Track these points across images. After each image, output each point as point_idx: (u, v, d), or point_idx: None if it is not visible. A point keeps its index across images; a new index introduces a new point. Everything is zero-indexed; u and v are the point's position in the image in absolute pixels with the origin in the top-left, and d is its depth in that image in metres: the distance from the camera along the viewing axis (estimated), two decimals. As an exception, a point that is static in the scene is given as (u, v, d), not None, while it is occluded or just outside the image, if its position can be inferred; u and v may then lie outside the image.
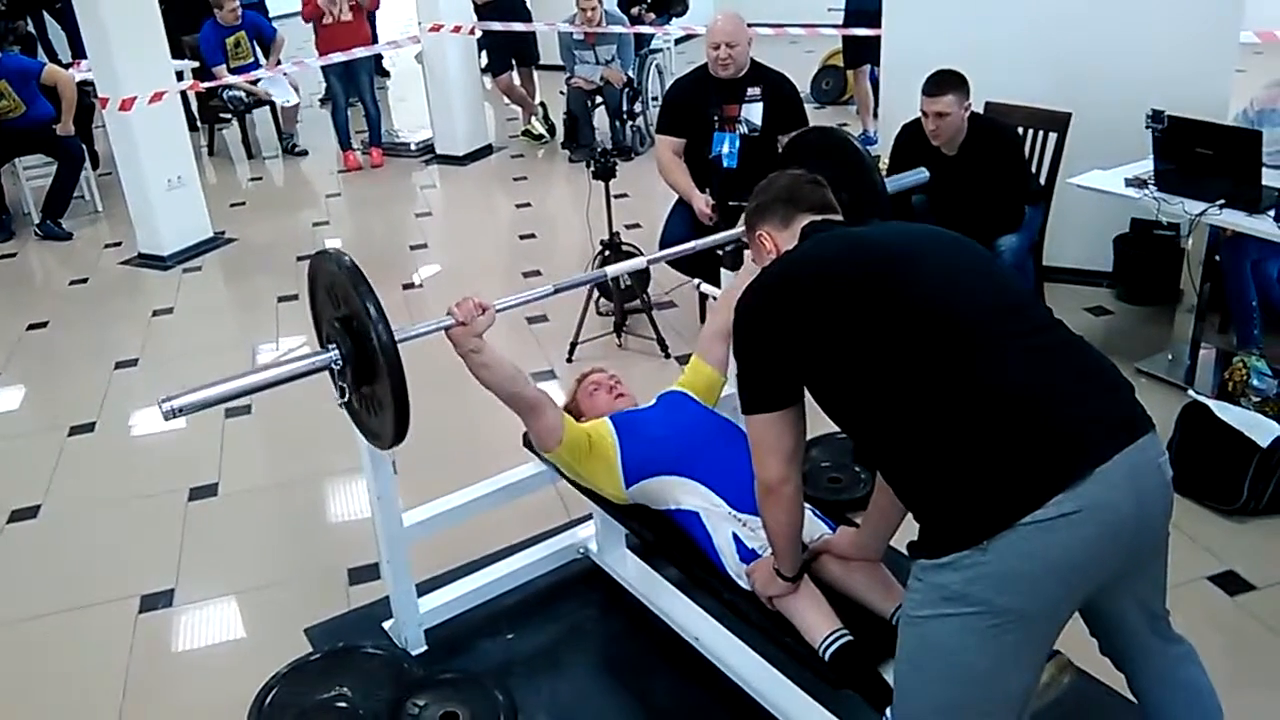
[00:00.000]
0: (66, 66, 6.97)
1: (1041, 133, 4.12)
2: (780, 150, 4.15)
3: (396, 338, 1.96)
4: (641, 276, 4.52)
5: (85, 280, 5.60)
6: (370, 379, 2.03)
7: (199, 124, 7.93)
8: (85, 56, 5.83)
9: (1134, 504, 1.57)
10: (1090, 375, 1.65)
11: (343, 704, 2.48)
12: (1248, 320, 3.74)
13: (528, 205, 6.44)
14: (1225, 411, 3.10)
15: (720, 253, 2.99)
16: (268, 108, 7.67)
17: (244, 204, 6.80)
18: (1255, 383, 3.25)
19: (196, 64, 7.36)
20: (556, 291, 2.53)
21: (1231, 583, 2.79)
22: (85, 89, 6.28)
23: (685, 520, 2.31)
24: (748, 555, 2.17)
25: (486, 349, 2.26)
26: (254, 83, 7.26)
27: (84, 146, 6.46)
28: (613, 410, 2.62)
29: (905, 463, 1.65)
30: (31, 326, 5.03)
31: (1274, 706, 2.41)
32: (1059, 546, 1.51)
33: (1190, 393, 3.32)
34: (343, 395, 2.13)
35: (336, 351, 2.06)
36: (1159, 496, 1.64)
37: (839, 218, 2.01)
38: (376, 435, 2.18)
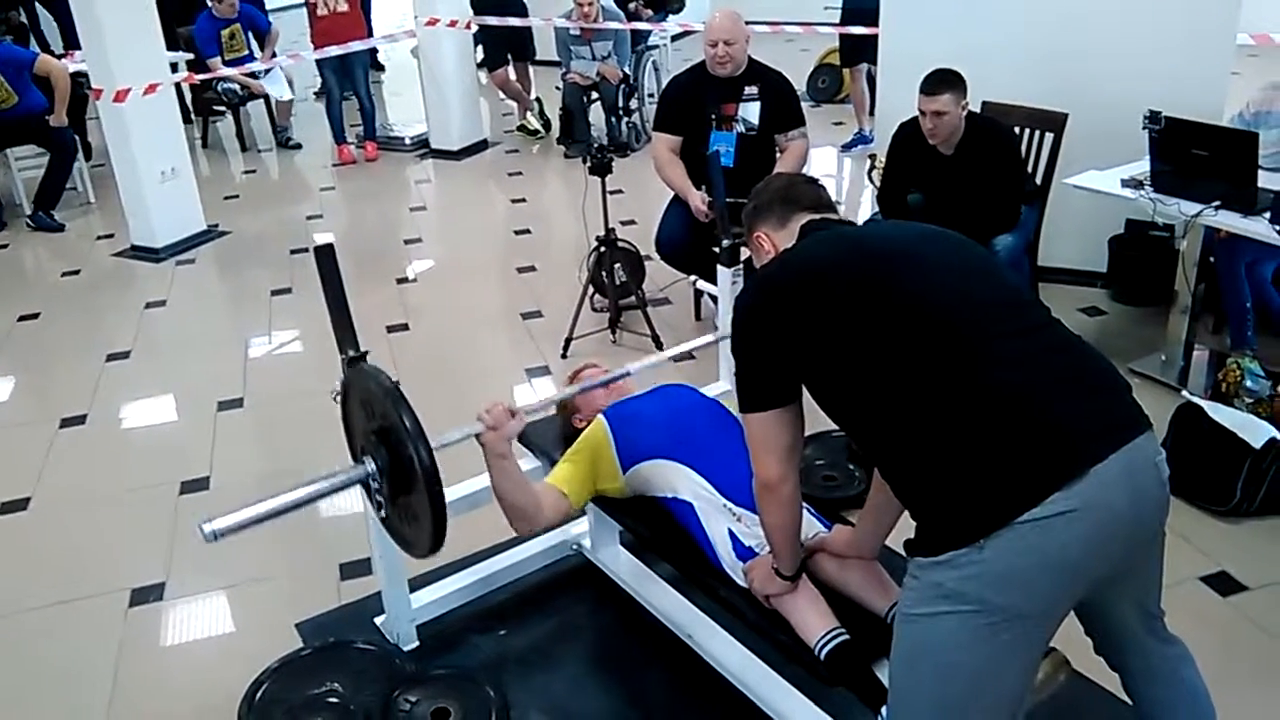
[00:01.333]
0: (59, 57, 6.94)
1: (1038, 133, 4.12)
2: (778, 152, 4.17)
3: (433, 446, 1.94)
4: (637, 272, 4.51)
5: (77, 272, 5.58)
6: (406, 491, 2.01)
7: (193, 116, 7.91)
8: (78, 47, 5.81)
9: (1130, 503, 1.57)
10: (1088, 374, 1.65)
11: (334, 700, 2.47)
12: (1242, 322, 3.75)
13: (523, 201, 6.43)
14: (1218, 412, 3.11)
15: (716, 249, 2.99)
16: (262, 100, 7.65)
17: (238, 197, 6.77)
18: (1248, 384, 3.26)
19: (191, 56, 7.33)
20: (582, 391, 2.54)
21: (1224, 583, 2.79)
22: (79, 80, 6.25)
23: (681, 512, 2.31)
24: (744, 553, 2.17)
25: (512, 457, 2.25)
26: (252, 76, 7.23)
27: (77, 138, 6.44)
28: (608, 404, 2.62)
29: (903, 461, 1.65)
30: (23, 318, 5.00)
31: (1266, 706, 2.41)
32: (1056, 545, 1.51)
33: (1184, 394, 3.33)
34: (379, 510, 2.12)
35: (373, 464, 2.04)
36: (1155, 495, 1.64)
37: (837, 216, 2.01)
38: (411, 544, 2.13)
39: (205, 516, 1.92)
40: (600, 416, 2.52)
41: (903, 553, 1.66)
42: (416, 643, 2.71)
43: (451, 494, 2.65)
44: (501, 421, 2.19)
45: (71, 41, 7.16)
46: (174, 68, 6.68)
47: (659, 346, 4.19)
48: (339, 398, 2.16)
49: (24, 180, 6.37)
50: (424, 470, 1.90)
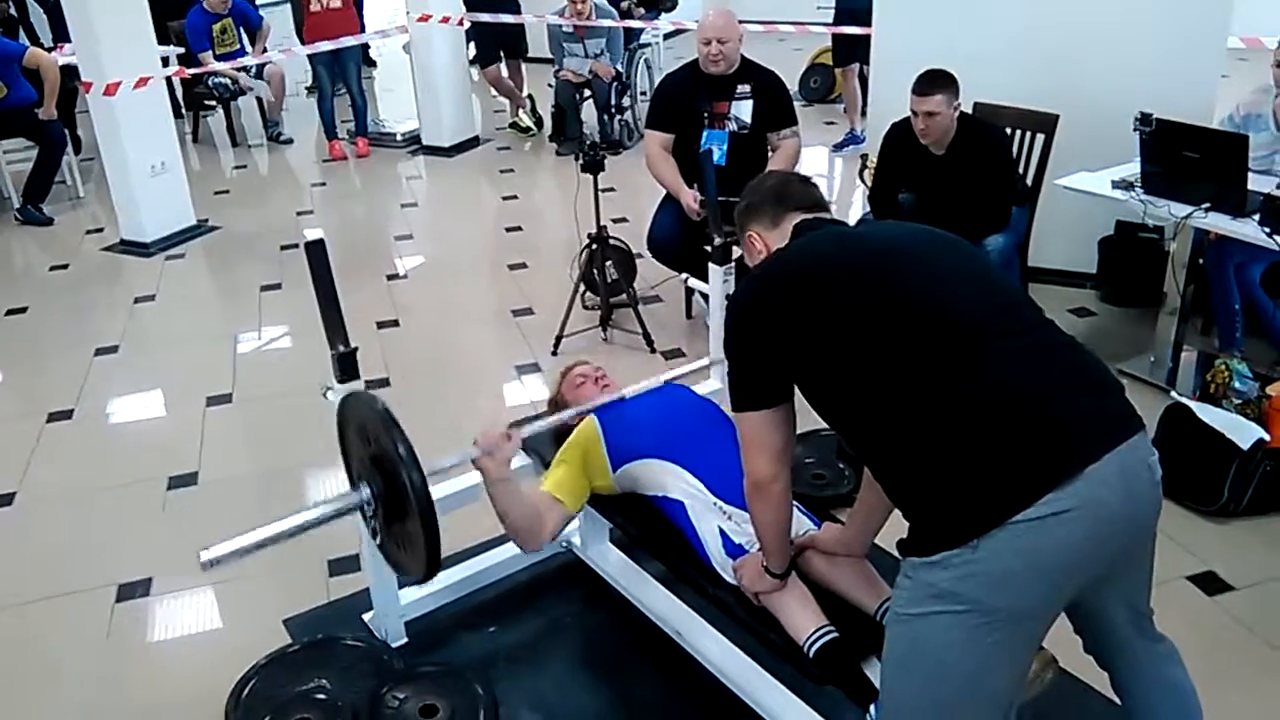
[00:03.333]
0: (49, 50, 6.90)
1: (1029, 134, 4.13)
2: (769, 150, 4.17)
3: (426, 472, 1.93)
4: (628, 270, 4.51)
5: (66, 266, 5.55)
6: (401, 518, 2.00)
7: (184, 110, 7.87)
8: (68, 40, 5.77)
9: (1124, 503, 1.57)
10: (1081, 374, 1.65)
11: (321, 696, 2.46)
12: (1230, 323, 3.77)
13: (514, 198, 6.42)
14: (1207, 413, 3.12)
15: (708, 248, 2.99)
16: (253, 96, 7.61)
17: (228, 192, 6.75)
18: (1237, 385, 3.26)
19: (182, 50, 7.30)
20: (579, 416, 2.52)
21: (1211, 583, 2.80)
22: (68, 73, 6.22)
23: (671, 510, 2.31)
24: (734, 550, 2.17)
25: (513, 483, 2.24)
26: (244, 71, 7.21)
27: (66, 131, 6.40)
28: (599, 403, 2.62)
29: (895, 461, 1.65)
30: (10, 312, 4.97)
31: (1251, 705, 2.42)
32: (1050, 545, 1.51)
33: (1172, 394, 3.34)
34: (375, 536, 2.12)
35: (368, 491, 2.04)
36: (1149, 495, 1.65)
37: (829, 216, 2.01)
38: (405, 570, 2.13)
39: (204, 550, 1.96)
40: (591, 415, 2.51)
41: (893, 551, 1.66)
42: (405, 639, 2.70)
43: (440, 491, 2.66)
44: (497, 445, 2.18)
45: (61, 34, 7.13)
46: (165, 62, 6.65)
47: (650, 344, 4.18)
48: (338, 430, 2.15)
49: (12, 173, 6.34)
50: (417, 498, 1.89)
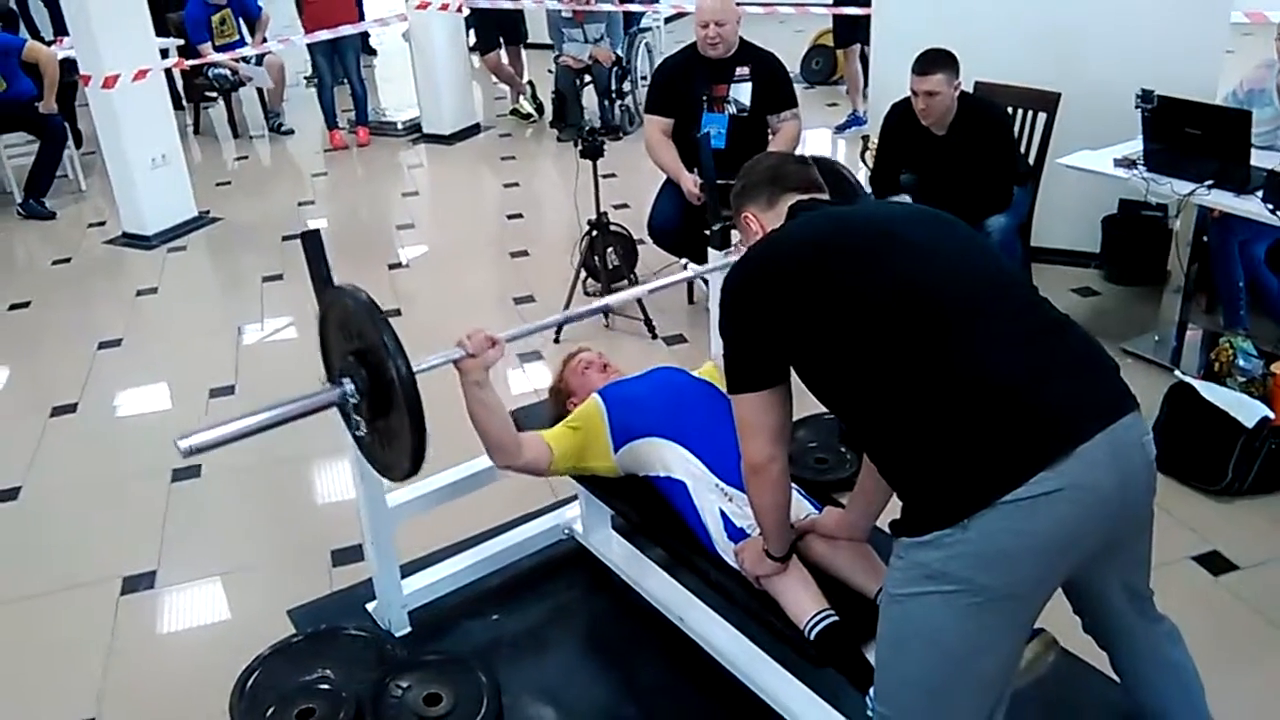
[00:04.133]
0: (49, 44, 6.89)
1: (1031, 113, 4.11)
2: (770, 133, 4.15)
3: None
4: (629, 257, 4.50)
5: (68, 260, 5.55)
6: (385, 412, 2.00)
7: (184, 102, 7.86)
8: (68, 33, 5.76)
9: (1116, 482, 1.56)
10: (1074, 354, 1.64)
11: (325, 686, 2.47)
12: (1235, 301, 3.74)
13: (515, 185, 6.41)
14: (1211, 392, 3.10)
15: (707, 232, 2.98)
16: (254, 86, 7.60)
17: (229, 183, 6.75)
18: (1241, 363, 3.25)
19: (181, 42, 7.28)
20: (566, 322, 2.53)
21: (1215, 562, 2.79)
22: (68, 66, 6.21)
23: (673, 492, 2.31)
24: (736, 534, 2.17)
25: (489, 386, 2.25)
26: (243, 61, 7.19)
27: (66, 125, 6.39)
28: (602, 385, 2.61)
29: (888, 441, 1.64)
30: (13, 306, 4.98)
31: (1256, 684, 2.42)
32: (1040, 525, 1.51)
33: (1176, 373, 3.32)
34: (357, 429, 2.10)
35: (350, 385, 2.03)
36: (1142, 475, 1.64)
37: (825, 196, 2.00)
38: (389, 468, 2.13)
39: (183, 436, 1.90)
40: (595, 395, 2.52)
41: (889, 533, 1.66)
42: (408, 628, 2.70)
43: (441, 480, 2.68)
44: (481, 348, 2.18)
45: (61, 28, 7.12)
46: (164, 54, 6.64)
47: (651, 330, 4.18)
48: (319, 331, 2.15)
49: (14, 168, 6.34)
50: (404, 388, 1.89)
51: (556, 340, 4.20)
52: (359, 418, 2.07)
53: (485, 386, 2.23)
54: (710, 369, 2.69)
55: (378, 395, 1.99)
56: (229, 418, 1.96)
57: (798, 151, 4.16)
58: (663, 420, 2.39)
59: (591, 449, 2.44)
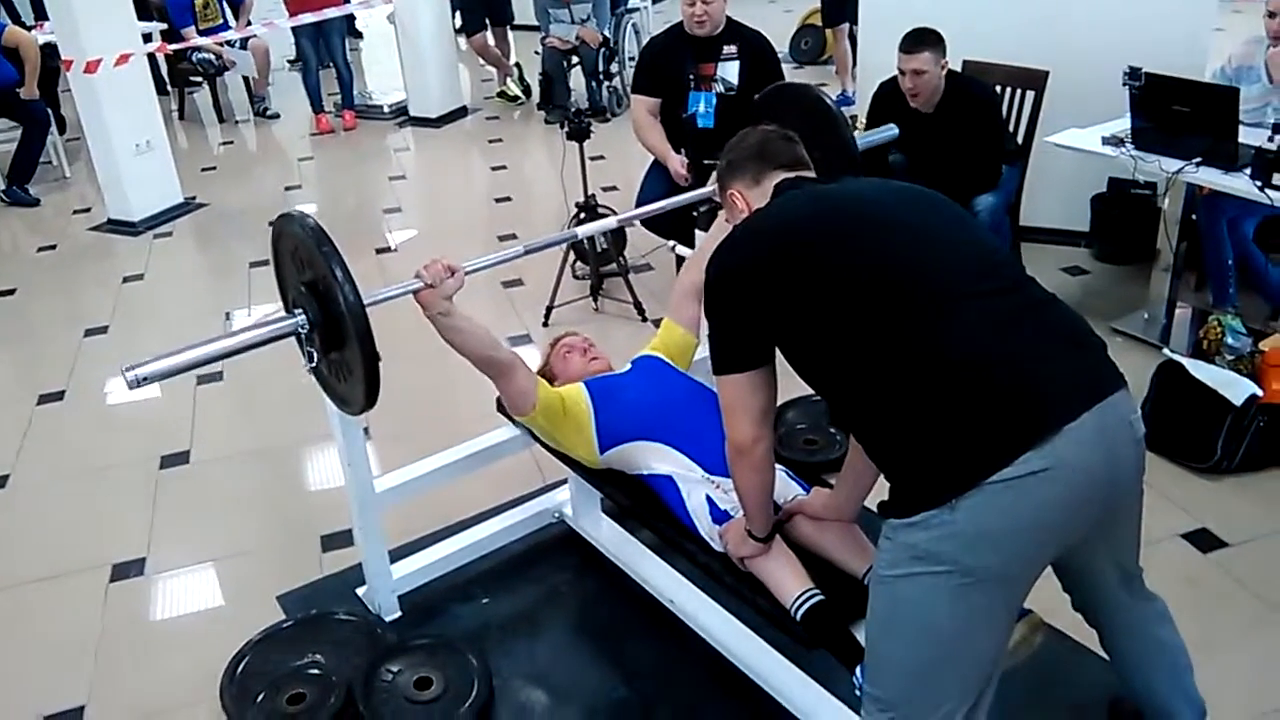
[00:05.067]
0: (29, 28, 6.82)
1: (1019, 91, 4.09)
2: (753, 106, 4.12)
3: (364, 301, 1.93)
4: (618, 240, 4.48)
5: (54, 247, 5.52)
6: (339, 344, 2.00)
7: (168, 87, 7.81)
8: (48, 18, 5.70)
9: (1104, 462, 1.56)
10: (1061, 333, 1.63)
11: (316, 671, 2.47)
12: (1223, 279, 3.74)
13: (503, 168, 6.38)
14: (1200, 370, 3.11)
15: (695, 213, 2.96)
16: (239, 73, 7.54)
17: (215, 168, 6.70)
18: (1230, 341, 3.25)
19: (165, 26, 7.21)
20: (528, 252, 2.50)
21: (1204, 540, 2.80)
22: (49, 51, 6.15)
23: (659, 484, 2.30)
24: (721, 517, 2.16)
25: (455, 312, 2.23)
26: (227, 45, 7.14)
27: (49, 110, 6.34)
28: (587, 373, 2.60)
29: (875, 422, 1.64)
30: (-1, 294, 4.96)
31: (1245, 661, 2.43)
32: (1028, 505, 1.50)
33: (1165, 351, 3.33)
34: (310, 360, 2.09)
35: (303, 316, 2.02)
36: (1130, 454, 1.64)
37: (811, 174, 1.98)
38: (346, 401, 2.14)
39: (129, 362, 1.88)
40: (582, 386, 2.49)
41: (877, 514, 1.66)
42: (398, 613, 2.70)
43: (431, 464, 2.67)
44: (439, 278, 2.18)
45: (41, 12, 7.05)
46: (147, 38, 6.57)
47: (641, 313, 4.17)
48: (273, 257, 2.13)
49: (-3, 154, 6.30)
50: (354, 320, 1.88)
51: (545, 323, 4.18)
52: (312, 349, 2.06)
53: (452, 314, 2.22)
54: (668, 324, 2.67)
55: (329, 327, 1.98)
56: (181, 346, 1.95)
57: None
58: (652, 425, 2.36)
59: (570, 434, 2.43)
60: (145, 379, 1.88)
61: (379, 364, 1.94)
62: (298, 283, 2.04)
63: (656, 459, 2.32)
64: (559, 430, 2.44)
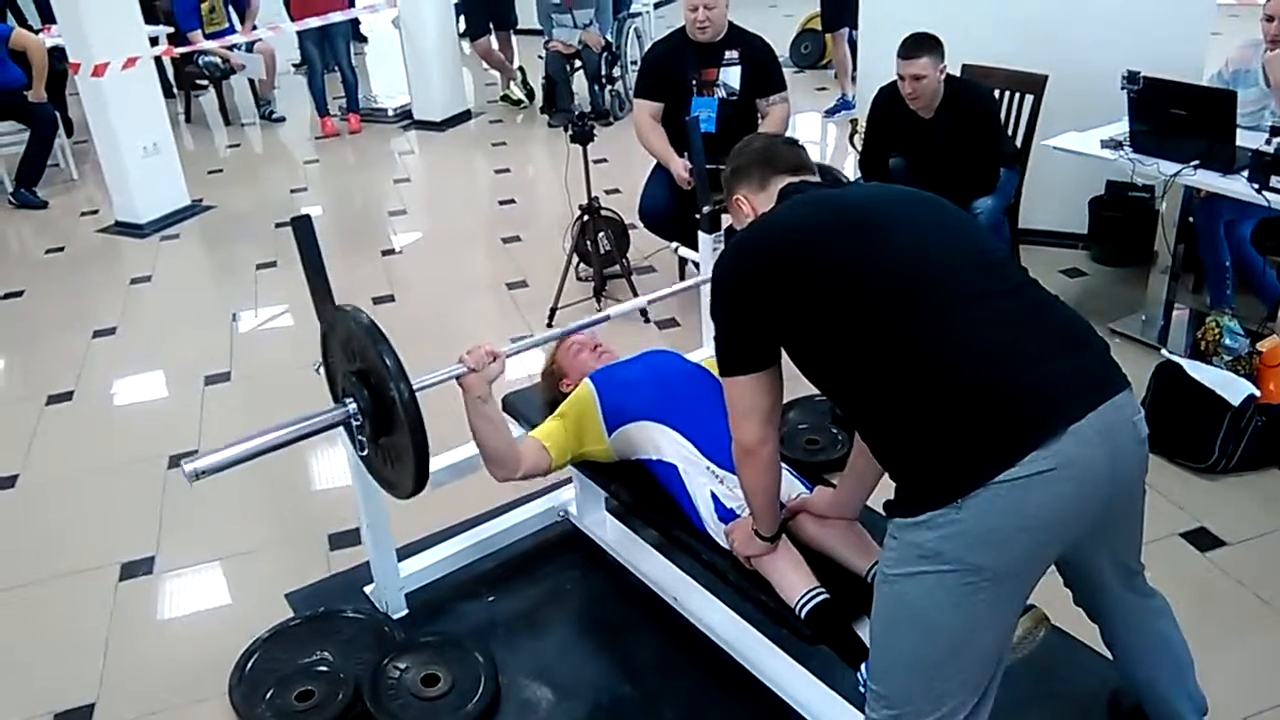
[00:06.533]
0: (36, 32, 6.85)
1: (1018, 95, 4.12)
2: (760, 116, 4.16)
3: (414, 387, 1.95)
4: (621, 241, 4.51)
5: (62, 249, 5.55)
6: (388, 431, 2.02)
7: (175, 90, 7.84)
8: (55, 21, 5.74)
9: (1108, 461, 1.58)
10: (1065, 334, 1.65)
11: (324, 668, 2.50)
12: (1221, 281, 3.77)
13: (507, 171, 6.41)
14: (1198, 370, 3.14)
15: (697, 216, 3.00)
16: (245, 75, 7.58)
17: (221, 171, 6.74)
18: (1228, 342, 3.28)
19: (171, 29, 7.25)
20: (565, 334, 2.61)
21: (1203, 539, 2.83)
22: (57, 54, 6.19)
23: (665, 475, 2.33)
24: (726, 515, 2.19)
25: (493, 402, 2.28)
26: (233, 48, 7.17)
27: (57, 113, 6.37)
28: (595, 369, 2.63)
29: (880, 422, 1.66)
30: (7, 295, 4.98)
31: (1243, 658, 2.46)
32: (1033, 504, 1.52)
33: (1163, 352, 3.36)
34: (361, 449, 2.13)
35: (354, 405, 2.05)
36: (1134, 454, 1.66)
37: (816, 179, 2.00)
38: (394, 485, 2.14)
39: (189, 459, 1.95)
40: (587, 380, 2.53)
41: (884, 513, 1.68)
42: (405, 611, 2.73)
43: (437, 463, 2.68)
44: (483, 363, 2.21)
45: (49, 15, 7.08)
46: (154, 41, 6.61)
47: (644, 315, 4.19)
48: (321, 348, 2.16)
49: (5, 157, 6.31)
50: (406, 410, 1.91)
51: (549, 325, 4.21)
52: (363, 437, 2.09)
53: (488, 401, 2.26)
54: (712, 361, 2.71)
55: (380, 415, 2.01)
56: (234, 440, 2.00)
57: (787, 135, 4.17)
58: (655, 404, 2.40)
59: (586, 434, 2.46)
60: (203, 472, 1.94)
61: (429, 451, 1.96)
62: (348, 371, 2.07)
63: (661, 442, 2.35)
64: (581, 447, 2.48)
